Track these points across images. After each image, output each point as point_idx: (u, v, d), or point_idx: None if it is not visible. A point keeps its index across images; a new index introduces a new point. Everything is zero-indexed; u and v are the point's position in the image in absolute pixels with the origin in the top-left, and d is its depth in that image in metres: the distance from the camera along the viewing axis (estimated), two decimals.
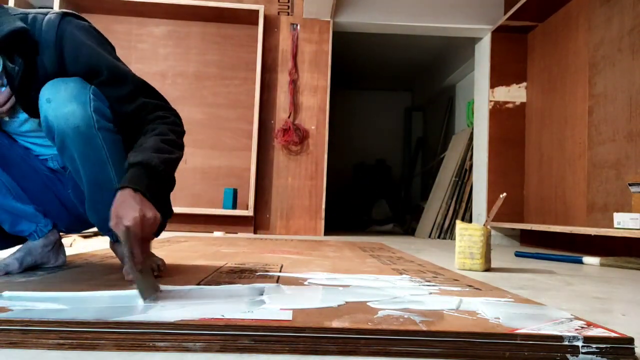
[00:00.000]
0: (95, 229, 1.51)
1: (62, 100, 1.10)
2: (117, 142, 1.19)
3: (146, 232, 0.95)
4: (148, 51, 4.20)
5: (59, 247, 1.39)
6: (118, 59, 1.24)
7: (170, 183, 1.12)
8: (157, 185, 1.03)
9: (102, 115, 1.15)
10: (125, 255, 0.92)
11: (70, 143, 1.13)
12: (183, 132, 1.21)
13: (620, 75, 2.80)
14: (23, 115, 1.28)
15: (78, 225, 1.47)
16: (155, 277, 1.17)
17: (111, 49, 1.27)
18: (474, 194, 4.41)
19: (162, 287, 0.99)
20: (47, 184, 1.38)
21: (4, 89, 1.21)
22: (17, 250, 1.30)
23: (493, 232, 3.92)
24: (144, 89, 1.21)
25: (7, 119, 1.29)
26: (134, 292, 0.92)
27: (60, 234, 1.42)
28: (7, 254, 1.31)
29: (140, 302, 0.87)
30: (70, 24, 1.20)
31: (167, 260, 1.64)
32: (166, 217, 1.33)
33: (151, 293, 0.91)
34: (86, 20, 1.27)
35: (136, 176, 1.00)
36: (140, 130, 1.15)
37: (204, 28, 4.25)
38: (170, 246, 2.27)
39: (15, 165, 1.32)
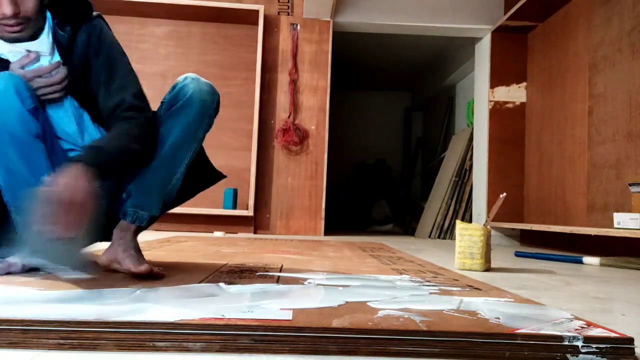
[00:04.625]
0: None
1: (203, 82, 1.30)
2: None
3: (75, 204, 0.95)
4: (149, 51, 4.20)
5: None
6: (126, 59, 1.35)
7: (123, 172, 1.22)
8: (110, 169, 1.11)
9: (217, 109, 1.33)
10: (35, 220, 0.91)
11: (193, 107, 1.27)
12: (148, 133, 1.25)
13: (620, 76, 2.80)
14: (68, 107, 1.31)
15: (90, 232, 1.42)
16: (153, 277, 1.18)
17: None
18: (474, 194, 4.41)
19: (162, 287, 0.99)
20: None
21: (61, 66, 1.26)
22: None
23: (493, 232, 3.92)
24: (133, 86, 1.29)
25: (53, 105, 1.27)
26: (133, 290, 0.92)
27: None
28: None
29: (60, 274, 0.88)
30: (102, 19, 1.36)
31: (168, 260, 1.64)
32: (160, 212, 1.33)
33: (74, 264, 0.88)
34: None
35: (90, 155, 1.07)
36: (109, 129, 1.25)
37: (204, 28, 4.25)
38: (170, 246, 2.27)
39: (51, 145, 1.30)
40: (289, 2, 4.27)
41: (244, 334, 0.71)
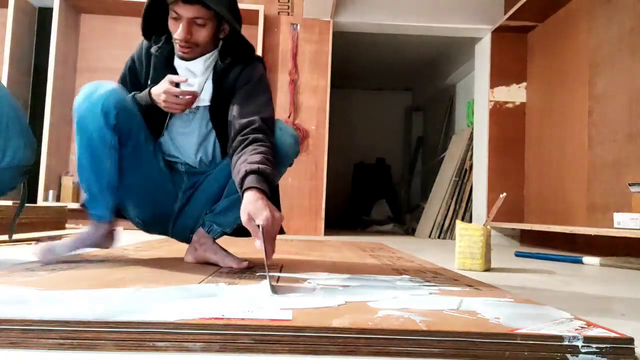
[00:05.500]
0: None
1: (287, 134, 1.46)
2: None
3: (275, 231, 1.12)
4: None
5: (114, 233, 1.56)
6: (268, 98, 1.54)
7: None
8: (271, 191, 1.23)
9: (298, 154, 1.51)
10: (261, 251, 1.08)
11: (285, 164, 1.47)
12: (275, 158, 1.38)
13: (620, 76, 2.80)
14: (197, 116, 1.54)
15: (157, 223, 1.63)
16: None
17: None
18: (474, 194, 4.41)
19: (162, 287, 0.99)
20: (162, 178, 1.56)
21: (204, 83, 1.49)
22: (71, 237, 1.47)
23: (493, 232, 3.91)
24: (264, 113, 1.45)
25: (186, 111, 1.49)
26: (133, 290, 0.92)
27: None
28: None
29: (267, 294, 0.98)
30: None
31: (168, 259, 1.64)
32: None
33: (275, 288, 1.02)
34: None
35: (258, 180, 1.20)
36: (238, 147, 1.36)
37: None
38: (170, 246, 2.27)
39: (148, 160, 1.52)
40: (289, 2, 4.27)
41: (244, 334, 0.71)
